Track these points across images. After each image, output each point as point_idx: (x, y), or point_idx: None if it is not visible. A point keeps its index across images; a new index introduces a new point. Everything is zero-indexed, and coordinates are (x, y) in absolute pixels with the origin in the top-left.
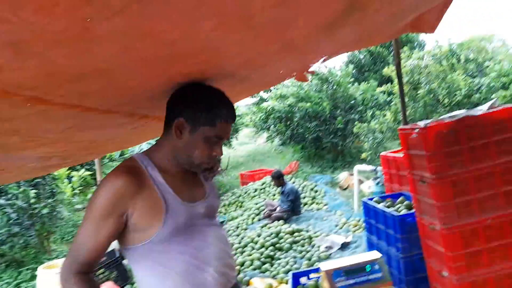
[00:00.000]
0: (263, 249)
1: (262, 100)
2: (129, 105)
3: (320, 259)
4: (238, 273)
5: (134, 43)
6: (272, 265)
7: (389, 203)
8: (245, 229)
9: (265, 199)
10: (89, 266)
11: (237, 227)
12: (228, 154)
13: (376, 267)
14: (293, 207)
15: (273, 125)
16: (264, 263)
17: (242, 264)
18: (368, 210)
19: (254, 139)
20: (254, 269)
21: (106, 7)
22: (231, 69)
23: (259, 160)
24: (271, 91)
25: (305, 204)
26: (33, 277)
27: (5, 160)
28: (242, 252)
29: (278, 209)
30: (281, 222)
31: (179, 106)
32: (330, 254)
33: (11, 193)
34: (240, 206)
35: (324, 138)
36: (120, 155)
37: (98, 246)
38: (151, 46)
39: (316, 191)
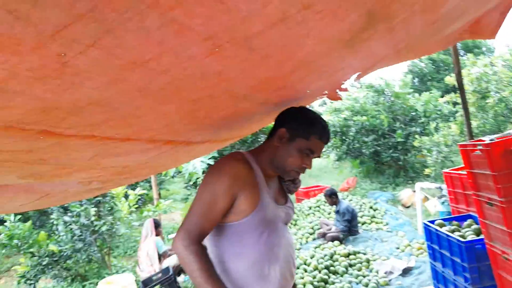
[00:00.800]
0: (316, 272)
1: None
2: (146, 132)
3: (379, 285)
4: None
5: (123, 73)
6: None
7: (454, 226)
8: (299, 249)
9: (320, 218)
10: (203, 237)
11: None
12: None
13: None
14: (349, 227)
15: None
16: (317, 287)
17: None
18: (430, 234)
19: None
20: None
21: (75, 41)
22: (244, 92)
23: (315, 176)
24: (326, 104)
25: (363, 223)
26: None
27: (46, 187)
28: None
29: (333, 228)
30: (336, 242)
31: (285, 118)
32: (390, 280)
33: (74, 211)
34: (294, 224)
35: (383, 153)
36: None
37: (213, 220)
38: (142, 75)
39: (375, 210)
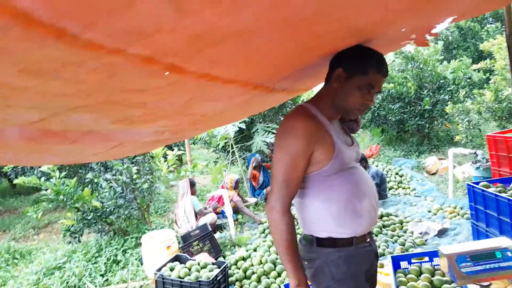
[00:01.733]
0: None
1: None
2: (249, 73)
3: (415, 245)
4: None
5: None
6: None
7: (499, 188)
8: None
9: None
10: (292, 199)
11: None
12: None
13: (509, 254)
14: (378, 191)
15: None
16: None
17: None
18: (475, 195)
19: None
20: None
21: None
22: (361, 26)
23: None
24: None
25: (390, 188)
26: (137, 245)
27: (125, 135)
28: None
29: None
30: None
31: (340, 59)
32: (426, 240)
33: (116, 169)
34: None
35: (408, 120)
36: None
37: (298, 181)
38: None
39: (401, 176)
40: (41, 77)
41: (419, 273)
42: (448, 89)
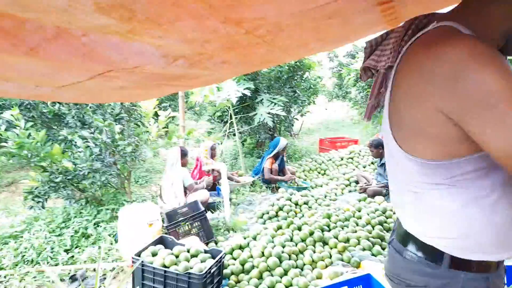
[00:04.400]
0: (369, 227)
1: (341, 65)
2: None
3: None
4: (343, 251)
5: None
6: (383, 248)
7: None
8: (334, 199)
9: (353, 170)
10: None
11: (325, 196)
12: (301, 120)
13: None
14: None
15: (359, 91)
16: (373, 244)
17: (347, 240)
18: None
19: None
20: (363, 249)
21: None
22: None
23: (332, 129)
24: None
25: None
26: (112, 218)
27: (119, 52)
28: (342, 227)
29: (374, 183)
30: (380, 198)
31: None
32: None
33: (96, 126)
34: (323, 174)
35: None
36: (190, 108)
37: None
38: None
39: None
40: None
41: None
42: None
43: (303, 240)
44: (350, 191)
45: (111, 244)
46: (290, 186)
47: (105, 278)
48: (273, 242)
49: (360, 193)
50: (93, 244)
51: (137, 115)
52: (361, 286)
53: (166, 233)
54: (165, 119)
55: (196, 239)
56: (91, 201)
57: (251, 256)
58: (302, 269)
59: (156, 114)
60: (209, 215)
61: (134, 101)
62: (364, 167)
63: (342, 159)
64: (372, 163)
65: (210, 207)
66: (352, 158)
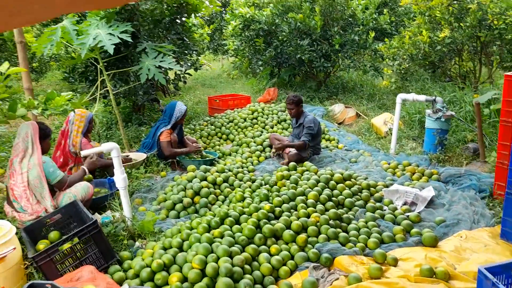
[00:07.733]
0: (320, 206)
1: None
2: None
3: (413, 224)
4: (305, 245)
5: None
6: (348, 233)
7: None
8: (252, 170)
9: (262, 132)
10: None
11: (241, 168)
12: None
13: None
14: (314, 145)
15: (246, 41)
16: (335, 228)
17: (304, 229)
18: None
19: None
20: (327, 240)
21: None
22: None
23: (210, 86)
24: None
25: None
26: None
27: None
28: (289, 210)
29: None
30: (307, 164)
31: None
32: (420, 213)
33: None
34: (226, 139)
35: (314, 61)
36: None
37: None
38: None
39: None
40: None
41: None
42: (356, 29)
43: (250, 238)
44: (266, 158)
45: None
46: (194, 160)
47: None
48: (212, 251)
49: (273, 157)
50: None
51: None
52: None
53: (35, 270)
54: (2, 76)
55: (90, 269)
56: None
57: (188, 282)
58: (263, 285)
59: None
60: (97, 217)
61: None
62: (272, 128)
63: (245, 120)
64: (279, 122)
65: (97, 205)
66: (256, 118)
